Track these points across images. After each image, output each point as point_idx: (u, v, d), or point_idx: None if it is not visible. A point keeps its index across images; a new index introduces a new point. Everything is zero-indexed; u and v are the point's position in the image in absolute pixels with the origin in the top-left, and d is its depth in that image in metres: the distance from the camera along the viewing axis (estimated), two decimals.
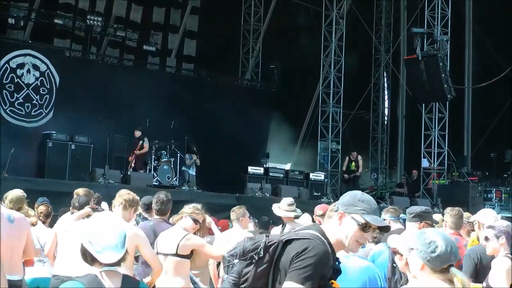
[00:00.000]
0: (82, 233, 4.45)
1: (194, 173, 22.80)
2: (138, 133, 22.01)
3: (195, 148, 23.03)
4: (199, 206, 8.38)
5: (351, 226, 4.42)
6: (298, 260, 4.23)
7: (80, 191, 10.00)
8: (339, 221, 4.44)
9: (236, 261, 4.31)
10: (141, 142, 21.84)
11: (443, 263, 4.20)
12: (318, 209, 9.63)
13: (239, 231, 10.27)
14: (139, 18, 27.35)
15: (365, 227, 4.43)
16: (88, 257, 4.33)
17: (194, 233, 8.23)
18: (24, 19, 23.49)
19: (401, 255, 5.16)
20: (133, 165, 21.85)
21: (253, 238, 4.42)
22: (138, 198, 8.25)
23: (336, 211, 4.48)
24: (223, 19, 28.71)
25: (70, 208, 9.36)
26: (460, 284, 4.16)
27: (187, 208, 8.23)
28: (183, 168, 22.62)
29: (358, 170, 25.85)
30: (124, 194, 7.92)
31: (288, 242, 4.30)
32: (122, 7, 26.91)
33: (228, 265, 4.43)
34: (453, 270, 4.16)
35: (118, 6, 26.73)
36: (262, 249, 4.29)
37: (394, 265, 6.06)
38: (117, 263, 4.34)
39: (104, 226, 4.39)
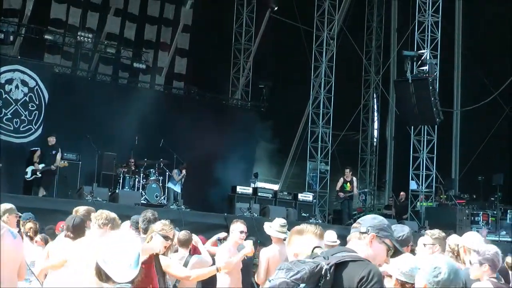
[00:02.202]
0: (98, 252, 4.48)
1: (179, 191, 22.78)
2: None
3: (184, 164, 23.04)
4: (167, 222, 8.24)
5: (382, 249, 4.67)
6: (368, 285, 4.32)
7: (80, 209, 9.82)
8: (370, 243, 4.64)
9: (302, 285, 4.18)
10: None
11: None
12: None
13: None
14: (133, 36, 27.39)
15: (388, 251, 4.68)
16: (103, 276, 4.37)
17: (166, 249, 8.10)
18: (14, 34, 23.53)
19: (390, 276, 5.27)
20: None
21: (305, 261, 4.33)
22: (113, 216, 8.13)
23: (366, 233, 4.66)
24: (215, 38, 28.79)
25: (65, 227, 9.18)
26: None
27: (156, 226, 8.02)
28: (168, 185, 22.57)
29: (353, 190, 25.70)
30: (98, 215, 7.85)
31: (341, 264, 4.32)
32: (116, 24, 26.94)
33: None
34: None
35: (111, 23, 26.75)
36: (328, 272, 4.26)
37: None
38: (131, 282, 4.38)
39: (119, 245, 4.42)
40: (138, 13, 27.50)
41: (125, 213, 8.94)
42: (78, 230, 9.00)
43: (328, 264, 4.26)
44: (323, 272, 4.21)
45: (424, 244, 7.66)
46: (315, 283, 4.18)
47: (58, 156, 20.55)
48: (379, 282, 4.36)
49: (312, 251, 4.48)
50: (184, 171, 22.95)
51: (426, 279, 4.63)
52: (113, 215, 7.82)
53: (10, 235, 7.80)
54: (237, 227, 10.22)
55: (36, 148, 20.94)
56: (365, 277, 4.32)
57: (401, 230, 7.22)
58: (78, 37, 24.93)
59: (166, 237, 7.89)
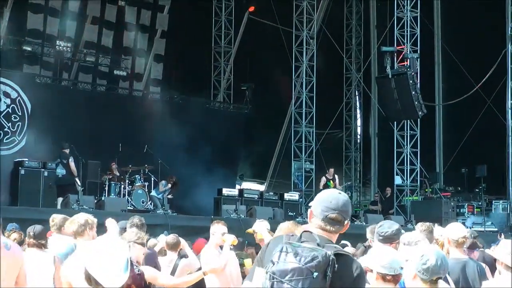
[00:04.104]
0: (86, 257, 4.48)
1: (161, 197, 22.68)
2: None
3: (175, 180, 22.97)
4: (136, 229, 8.13)
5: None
6: (363, 279, 4.34)
7: (56, 218, 9.85)
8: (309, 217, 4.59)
9: (316, 274, 4.07)
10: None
11: (432, 275, 4.78)
12: None
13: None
14: (110, 43, 27.36)
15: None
16: (92, 281, 4.37)
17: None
18: None
19: (371, 271, 5.35)
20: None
21: (310, 248, 4.24)
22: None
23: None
24: (193, 42, 28.79)
25: (26, 238, 9.19)
26: None
27: (129, 235, 7.75)
28: (152, 192, 22.49)
29: (337, 186, 25.71)
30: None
31: (337, 255, 4.22)
32: (93, 32, 26.91)
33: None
34: (440, 282, 4.64)
35: (89, 31, 26.72)
36: (335, 262, 4.17)
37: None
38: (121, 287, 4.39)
39: (108, 251, 4.42)
40: (115, 20, 27.48)
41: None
42: (40, 238, 9.03)
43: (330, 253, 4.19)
44: (330, 262, 4.13)
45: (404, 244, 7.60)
46: (323, 273, 4.09)
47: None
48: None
49: (301, 236, 4.42)
50: (170, 185, 22.84)
51: (416, 268, 4.83)
52: (83, 219, 7.88)
53: (3, 247, 7.81)
54: (219, 229, 10.18)
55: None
56: (360, 274, 4.31)
57: (388, 226, 7.23)
58: (57, 46, 24.89)
59: (143, 244, 7.79)
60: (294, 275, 4.06)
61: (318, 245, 4.23)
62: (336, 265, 4.14)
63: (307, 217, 4.59)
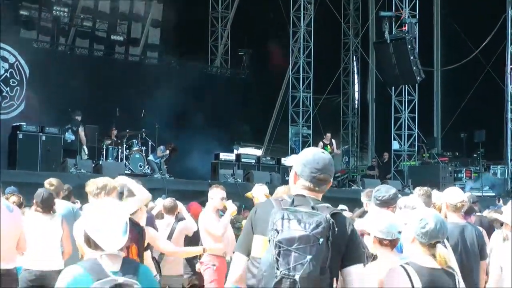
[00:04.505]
0: (86, 220, 4.50)
1: (158, 162, 22.74)
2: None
3: (174, 147, 23.05)
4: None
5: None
6: (357, 237, 4.40)
7: (52, 181, 9.90)
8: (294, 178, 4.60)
9: (321, 240, 4.08)
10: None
11: (431, 239, 4.73)
12: None
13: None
14: (107, 8, 27.20)
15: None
16: (92, 244, 4.38)
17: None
18: None
19: (369, 234, 5.36)
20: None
21: (309, 213, 4.22)
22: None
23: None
24: (191, 7, 28.59)
25: (33, 203, 9.26)
26: (440, 258, 4.71)
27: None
28: (150, 157, 22.53)
29: (334, 151, 25.67)
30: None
31: (333, 216, 4.23)
32: None
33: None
34: (439, 247, 4.61)
35: None
36: (334, 225, 4.18)
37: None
38: (120, 249, 4.40)
39: (107, 214, 4.43)
40: None
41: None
42: (47, 204, 9.10)
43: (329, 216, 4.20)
44: (331, 225, 4.14)
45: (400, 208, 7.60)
46: (326, 238, 4.10)
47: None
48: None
49: (293, 200, 4.42)
50: (168, 152, 22.92)
51: (414, 232, 4.77)
52: (102, 182, 7.60)
53: (5, 209, 7.88)
54: (218, 193, 10.20)
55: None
56: (354, 231, 4.37)
57: (385, 191, 7.24)
58: (54, 11, 24.76)
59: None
60: (301, 243, 4.05)
61: (312, 208, 4.24)
62: (336, 228, 4.16)
63: None
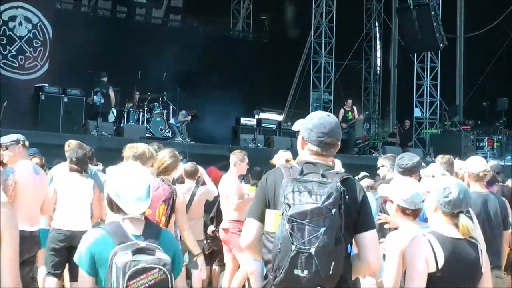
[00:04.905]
0: (109, 184, 4.51)
1: (179, 126, 22.75)
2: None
3: (195, 113, 23.07)
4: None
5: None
6: (367, 202, 4.40)
7: (72, 143, 9.89)
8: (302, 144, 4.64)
9: (334, 211, 4.07)
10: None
11: (454, 208, 4.66)
12: None
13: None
14: None
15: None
16: (115, 207, 4.41)
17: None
18: None
19: (391, 201, 5.33)
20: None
21: (320, 182, 4.19)
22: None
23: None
24: None
25: (68, 162, 9.22)
26: (462, 228, 4.64)
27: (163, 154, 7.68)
28: (171, 121, 22.53)
29: (355, 117, 25.54)
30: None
31: (343, 182, 4.24)
32: None
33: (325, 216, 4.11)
34: (462, 216, 4.54)
35: None
36: (345, 193, 4.19)
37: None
38: (142, 213, 4.45)
39: (130, 178, 4.44)
40: None
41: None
42: (82, 163, 9.11)
43: (339, 184, 4.18)
44: (342, 194, 4.13)
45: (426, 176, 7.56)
46: (338, 207, 4.10)
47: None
48: None
49: (302, 169, 4.38)
50: (189, 117, 22.93)
51: (437, 200, 4.71)
52: (141, 149, 7.33)
53: (32, 171, 7.91)
54: (243, 159, 10.34)
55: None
56: (365, 196, 4.37)
57: (409, 159, 7.21)
58: None
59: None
60: (314, 216, 4.04)
61: (322, 176, 4.23)
62: (347, 196, 4.17)
63: None
